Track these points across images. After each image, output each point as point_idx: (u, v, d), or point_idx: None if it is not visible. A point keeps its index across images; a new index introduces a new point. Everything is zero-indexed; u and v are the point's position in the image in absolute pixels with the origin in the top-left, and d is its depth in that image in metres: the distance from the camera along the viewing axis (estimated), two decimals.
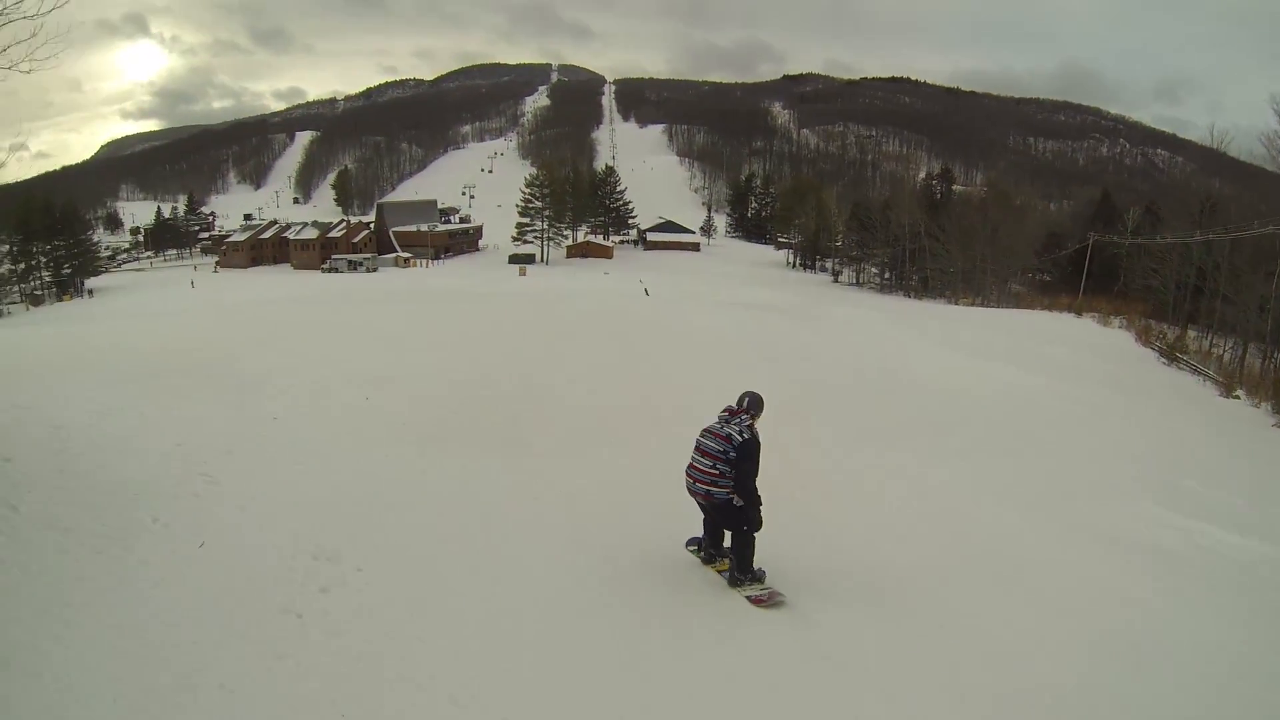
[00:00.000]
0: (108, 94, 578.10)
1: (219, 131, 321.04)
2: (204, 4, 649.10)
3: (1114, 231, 59.36)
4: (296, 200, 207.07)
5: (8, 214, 73.65)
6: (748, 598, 5.45)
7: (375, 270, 79.65)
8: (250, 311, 23.17)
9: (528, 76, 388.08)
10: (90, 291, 74.41)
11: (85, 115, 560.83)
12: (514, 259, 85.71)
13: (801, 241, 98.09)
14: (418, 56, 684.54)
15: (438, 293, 34.88)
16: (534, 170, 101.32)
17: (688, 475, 5.54)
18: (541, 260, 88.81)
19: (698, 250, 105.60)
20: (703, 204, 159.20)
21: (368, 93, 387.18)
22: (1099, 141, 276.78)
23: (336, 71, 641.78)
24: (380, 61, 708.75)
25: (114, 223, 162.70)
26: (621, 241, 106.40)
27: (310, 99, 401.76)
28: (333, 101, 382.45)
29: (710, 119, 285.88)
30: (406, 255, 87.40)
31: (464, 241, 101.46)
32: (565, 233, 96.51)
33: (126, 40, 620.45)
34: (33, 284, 72.80)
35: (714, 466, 5.36)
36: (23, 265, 72.40)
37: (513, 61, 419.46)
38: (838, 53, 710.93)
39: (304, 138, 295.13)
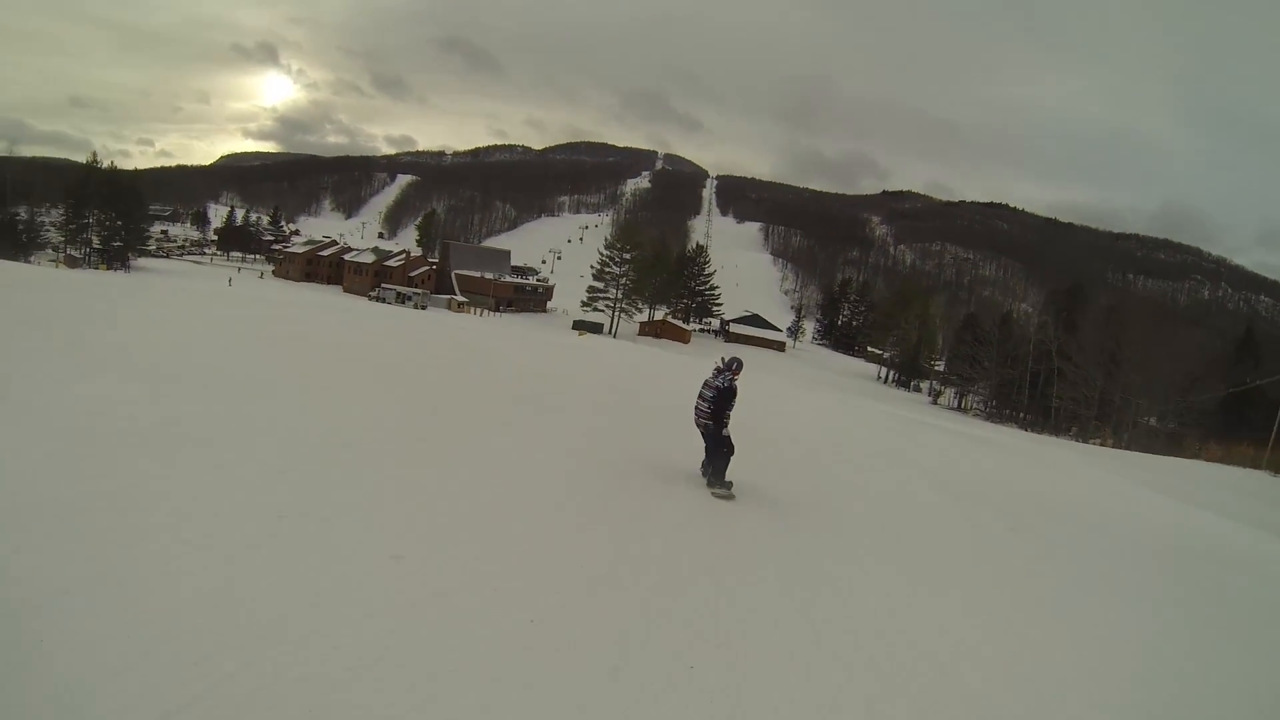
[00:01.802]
0: (234, 112, 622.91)
1: (326, 161, 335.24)
2: (331, 45, 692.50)
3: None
4: (381, 235, 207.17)
5: (70, 179, 78.19)
6: (712, 494, 7.82)
7: (424, 308, 72.04)
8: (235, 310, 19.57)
9: (633, 160, 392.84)
10: (129, 267, 75.37)
11: (211, 127, 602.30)
12: (579, 325, 76.31)
13: (898, 356, 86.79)
14: (528, 125, 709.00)
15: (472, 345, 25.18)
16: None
17: (695, 411, 7.89)
18: (609, 332, 79.01)
19: (782, 350, 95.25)
20: (792, 306, 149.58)
21: (475, 151, 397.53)
22: (1200, 283, 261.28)
23: (449, 127, 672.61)
24: (491, 124, 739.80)
25: (201, 219, 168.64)
26: (701, 330, 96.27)
27: (420, 149, 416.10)
28: (441, 154, 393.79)
29: (808, 223, 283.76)
30: (461, 300, 79.33)
31: (530, 299, 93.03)
32: (640, 307, 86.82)
33: (257, 66, 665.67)
34: (81, 248, 76.72)
35: (707, 406, 7.70)
36: (73, 226, 76.69)
37: (621, 144, 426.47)
38: (937, 174, 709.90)
39: (403, 180, 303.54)
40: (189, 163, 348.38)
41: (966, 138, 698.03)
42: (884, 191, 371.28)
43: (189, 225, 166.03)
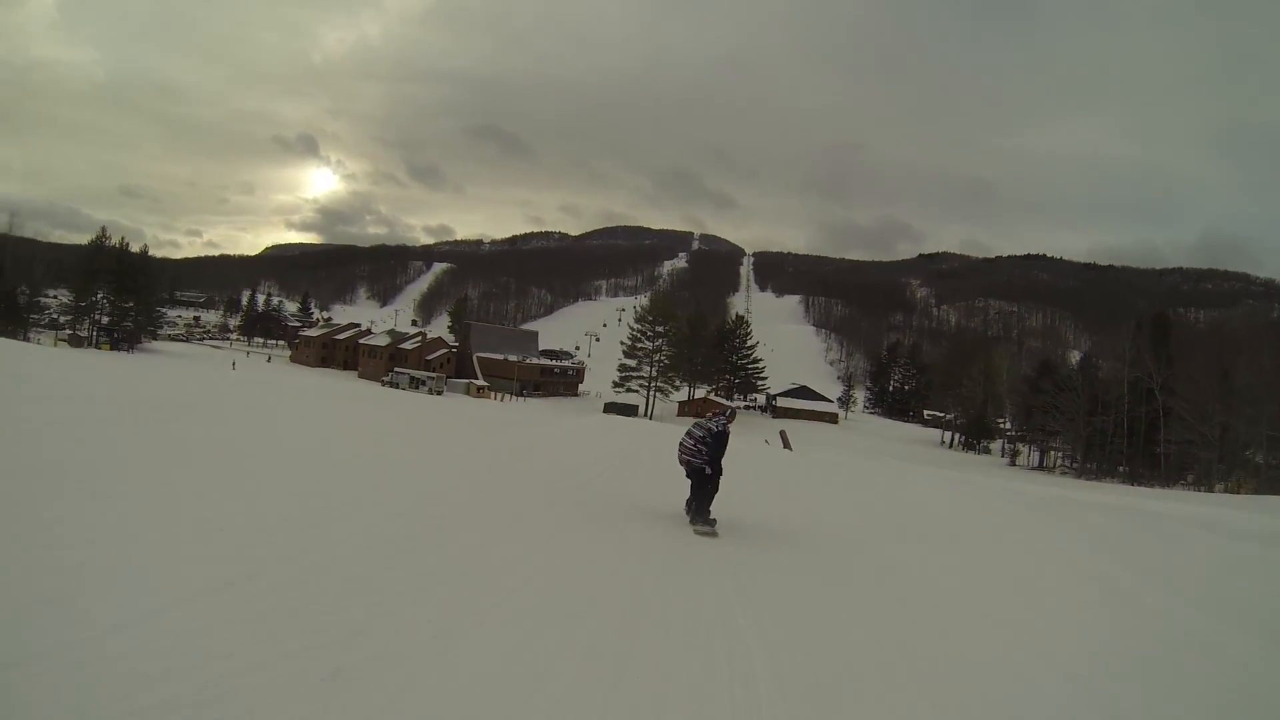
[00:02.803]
0: (279, 204, 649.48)
1: (362, 250, 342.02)
2: (367, 136, 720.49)
3: None
4: (414, 322, 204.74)
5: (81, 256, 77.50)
6: (695, 531, 7.96)
7: (439, 393, 66.83)
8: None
9: (670, 242, 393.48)
10: (133, 349, 73.66)
11: (257, 219, 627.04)
12: (610, 408, 69.67)
13: (961, 417, 79.64)
14: (563, 211, 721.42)
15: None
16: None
17: (679, 449, 8.27)
18: (645, 414, 72.28)
19: (835, 423, 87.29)
20: (838, 378, 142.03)
21: (513, 239, 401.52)
22: (1255, 307, 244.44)
23: (485, 216, 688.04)
24: (526, 212, 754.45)
25: (234, 306, 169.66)
26: (746, 407, 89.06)
27: (458, 238, 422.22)
28: (479, 243, 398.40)
29: (847, 292, 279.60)
30: (481, 384, 73.54)
31: (559, 381, 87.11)
32: (678, 385, 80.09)
33: (299, 157, 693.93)
34: (86, 326, 75.88)
35: (696, 446, 8.06)
36: (82, 305, 75.40)
37: (656, 226, 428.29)
38: (971, 232, 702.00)
39: (439, 267, 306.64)
40: (235, 253, 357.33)
41: (996, 192, 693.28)
42: (920, 255, 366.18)
43: (222, 312, 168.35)
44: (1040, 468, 64.49)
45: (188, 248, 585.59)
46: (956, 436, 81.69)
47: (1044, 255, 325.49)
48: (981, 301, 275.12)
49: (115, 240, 78.93)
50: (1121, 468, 55.21)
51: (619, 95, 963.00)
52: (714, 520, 7.95)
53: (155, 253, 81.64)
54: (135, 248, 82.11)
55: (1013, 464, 66.96)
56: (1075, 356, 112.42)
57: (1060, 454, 65.11)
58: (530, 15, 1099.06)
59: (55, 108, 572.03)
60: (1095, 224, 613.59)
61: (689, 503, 8.24)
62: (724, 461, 8.01)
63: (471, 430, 19.18)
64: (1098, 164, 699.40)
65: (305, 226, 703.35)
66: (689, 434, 8.14)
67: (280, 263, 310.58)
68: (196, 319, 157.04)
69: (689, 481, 8.21)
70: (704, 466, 7.90)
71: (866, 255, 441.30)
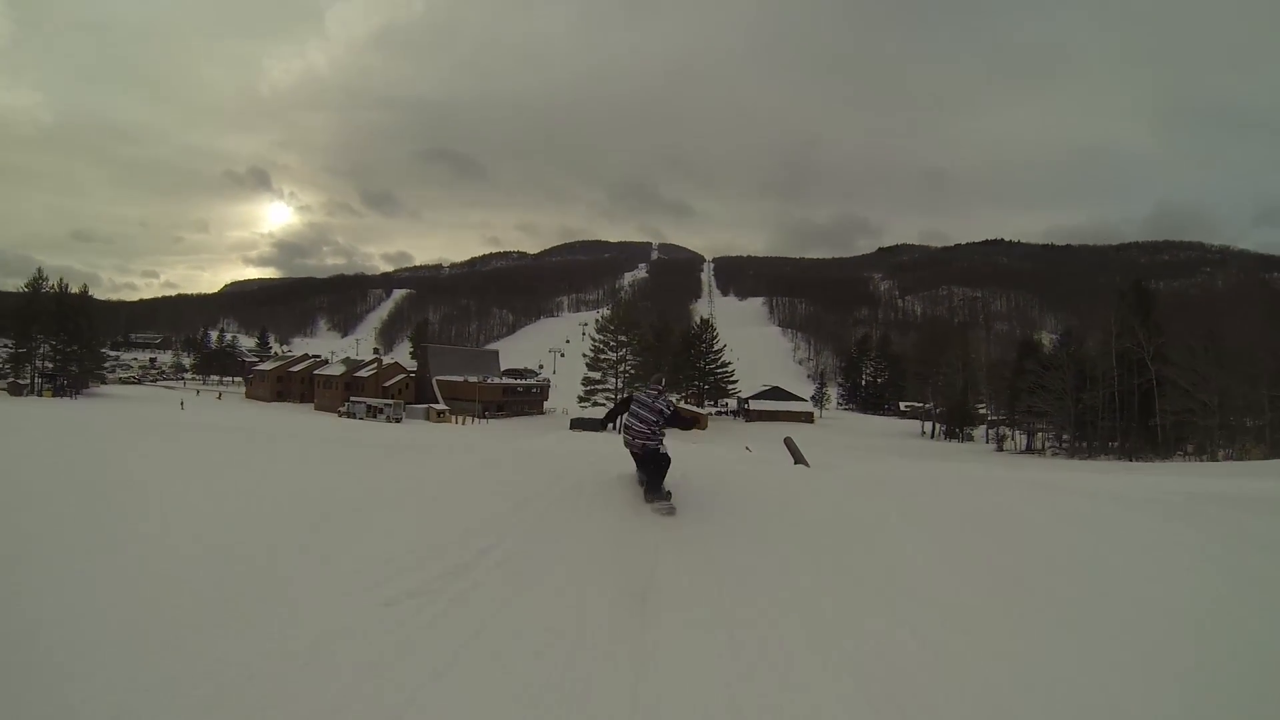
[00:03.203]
0: (235, 240, 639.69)
1: (321, 281, 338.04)
2: (318, 166, 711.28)
3: None
4: (376, 350, 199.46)
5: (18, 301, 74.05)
6: (654, 509, 7.29)
7: (399, 421, 63.88)
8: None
9: (629, 254, 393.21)
10: (77, 394, 70.73)
11: (215, 256, 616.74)
12: (577, 423, 66.59)
13: (940, 406, 78.03)
14: (521, 230, 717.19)
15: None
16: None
17: (626, 433, 7.83)
18: (614, 427, 69.21)
19: (811, 422, 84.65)
20: (808, 376, 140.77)
21: (472, 262, 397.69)
22: (1211, 275, 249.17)
23: (443, 241, 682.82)
24: (484, 233, 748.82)
25: (192, 346, 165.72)
26: (717, 412, 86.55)
27: (417, 264, 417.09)
28: (439, 268, 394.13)
29: (811, 291, 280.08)
30: (441, 408, 70.29)
31: (524, 401, 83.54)
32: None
33: (251, 192, 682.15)
34: (29, 375, 72.76)
35: (649, 428, 7.67)
36: (23, 351, 72.33)
37: (614, 239, 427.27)
38: (929, 223, 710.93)
39: (399, 294, 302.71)
40: (193, 292, 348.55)
41: (951, 181, 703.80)
42: (880, 249, 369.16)
43: (178, 352, 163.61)
44: (1030, 451, 62.66)
45: (145, 289, 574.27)
46: (937, 426, 79.66)
47: (1002, 240, 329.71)
48: (945, 289, 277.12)
49: (54, 283, 75.35)
50: (1114, 443, 53.62)
51: (570, 109, 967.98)
52: (669, 493, 7.60)
53: (111, 296, 78.85)
54: (75, 289, 78.23)
55: (1000, 449, 64.87)
56: (1047, 337, 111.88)
57: (1048, 435, 63.41)
58: (477, 36, 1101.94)
59: (1, 153, 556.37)
60: (1050, 206, 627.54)
61: (641, 479, 7.92)
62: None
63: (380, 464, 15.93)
64: (1048, 146, 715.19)
65: (263, 261, 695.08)
66: (635, 417, 7.78)
67: (239, 299, 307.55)
68: (153, 360, 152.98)
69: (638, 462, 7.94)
70: (659, 446, 7.68)
71: (827, 253, 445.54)
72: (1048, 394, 57.07)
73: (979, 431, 76.77)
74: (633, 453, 7.86)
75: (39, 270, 75.09)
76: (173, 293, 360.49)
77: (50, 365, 73.30)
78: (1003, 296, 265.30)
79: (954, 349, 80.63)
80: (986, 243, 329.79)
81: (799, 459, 12.97)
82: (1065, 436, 59.32)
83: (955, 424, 77.00)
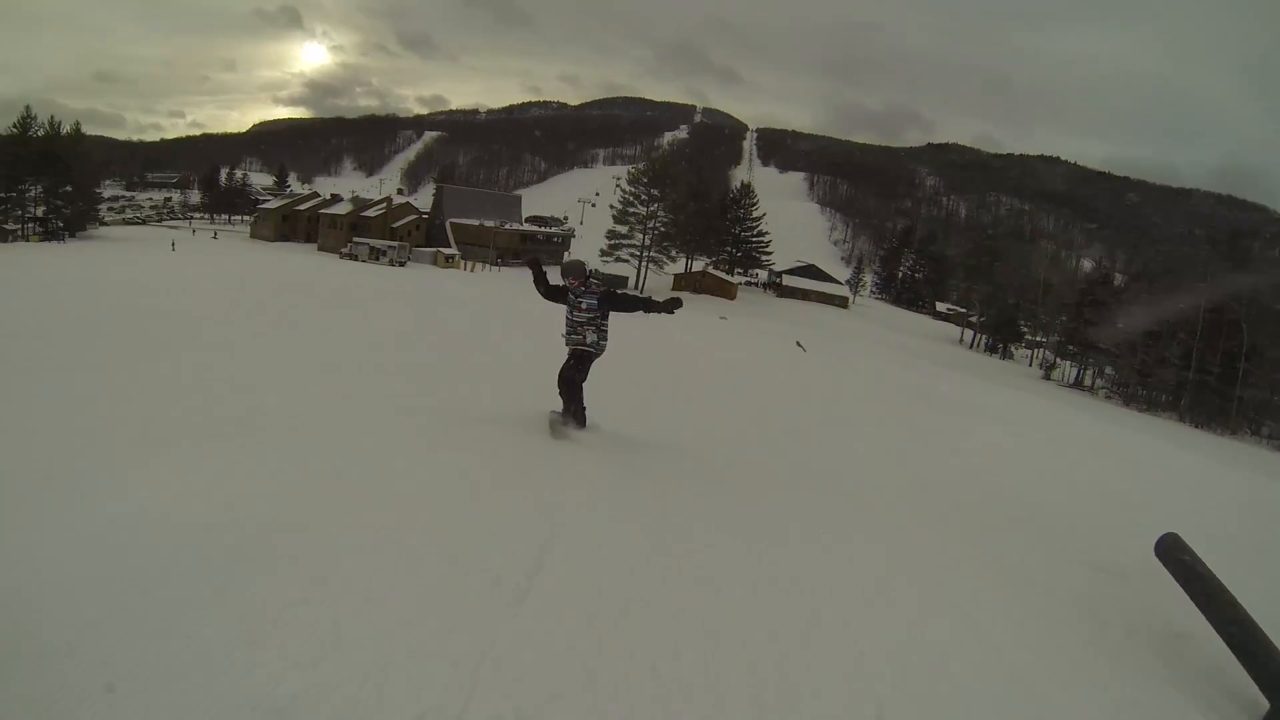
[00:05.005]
0: (265, 80, 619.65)
1: (350, 121, 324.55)
2: (352, 5, 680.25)
3: None
4: (400, 190, 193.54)
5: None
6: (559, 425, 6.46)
7: (402, 264, 59.54)
8: None
9: (671, 114, 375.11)
10: (64, 238, 67.58)
11: (244, 96, 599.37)
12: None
13: (984, 317, 72.59)
14: (563, 80, 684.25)
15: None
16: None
17: (575, 331, 6.44)
18: (635, 287, 64.61)
19: (845, 308, 79.47)
20: (842, 258, 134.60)
21: (510, 109, 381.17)
22: (1272, 242, 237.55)
23: (482, 86, 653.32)
24: (525, 82, 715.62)
25: (210, 184, 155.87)
26: (747, 283, 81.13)
27: (452, 108, 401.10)
28: (474, 112, 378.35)
29: (854, 174, 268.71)
30: (451, 253, 65.59)
31: (542, 249, 78.18)
32: (674, 257, 71.83)
33: (282, 30, 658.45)
34: (20, 221, 68.95)
35: (591, 315, 6.38)
36: (12, 194, 68.24)
37: (658, 99, 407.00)
38: (985, 128, 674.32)
39: (430, 136, 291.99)
40: (220, 131, 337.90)
41: (1014, 89, 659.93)
42: (929, 144, 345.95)
43: (195, 191, 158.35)
44: (1078, 385, 57.91)
45: (170, 129, 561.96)
46: (979, 336, 74.61)
47: (1058, 157, 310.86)
48: (993, 196, 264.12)
49: (44, 123, 70.36)
50: (1166, 397, 48.66)
51: None
52: (583, 411, 6.57)
53: (136, 137, 72.93)
54: (68, 129, 72.74)
55: (1047, 377, 60.01)
56: (1086, 264, 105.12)
57: (1097, 373, 58.47)
58: None
59: None
60: (1113, 133, 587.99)
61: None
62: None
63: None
64: (1122, 74, 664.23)
65: (294, 101, 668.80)
66: (578, 308, 6.37)
67: (266, 138, 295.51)
68: (166, 200, 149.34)
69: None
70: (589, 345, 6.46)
71: (873, 139, 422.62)
72: (1116, 331, 51.43)
73: (1029, 353, 71.82)
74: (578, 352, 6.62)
75: (26, 109, 69.90)
76: (198, 132, 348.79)
77: (43, 210, 70.01)
78: (1054, 215, 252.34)
79: (1012, 259, 73.98)
80: (1041, 157, 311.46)
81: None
82: (1123, 381, 54.09)
83: (1000, 338, 71.60)
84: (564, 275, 6.44)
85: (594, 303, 6.26)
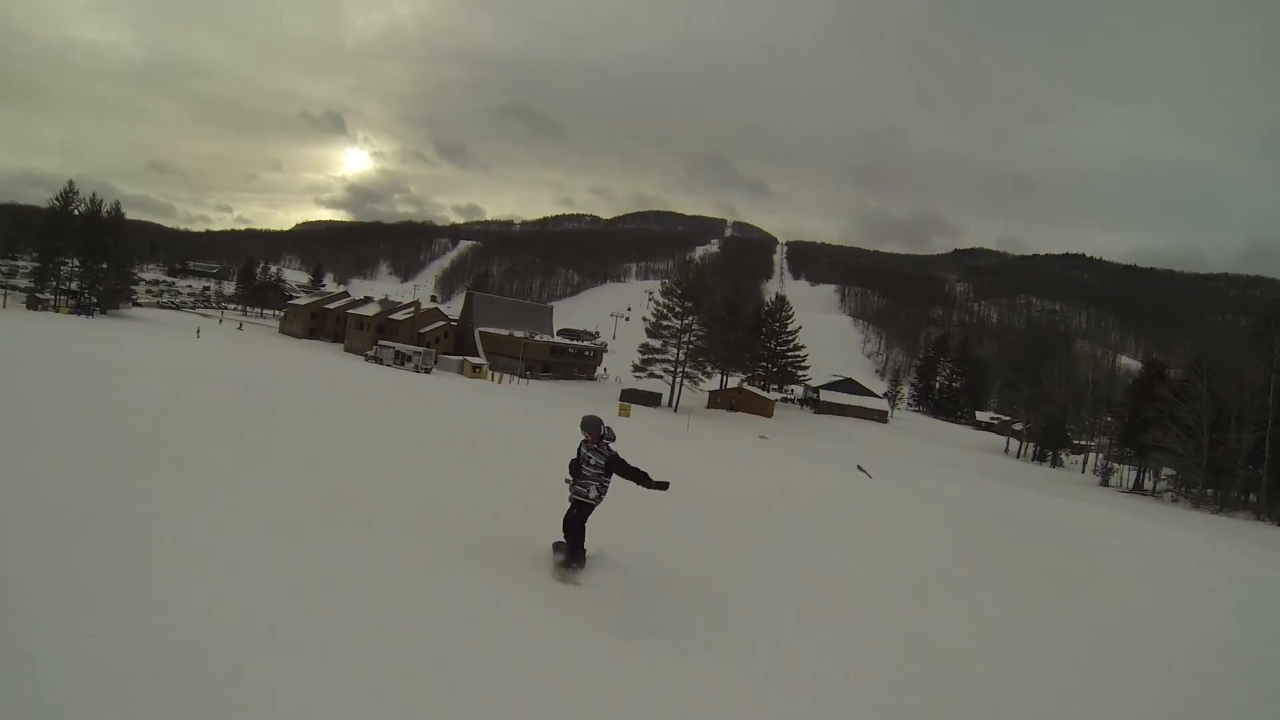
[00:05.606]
0: (309, 182, 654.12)
1: (388, 226, 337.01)
2: (394, 114, 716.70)
3: None
4: (434, 298, 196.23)
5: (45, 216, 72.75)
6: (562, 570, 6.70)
7: (427, 371, 58.18)
8: None
9: (702, 228, 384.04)
10: (94, 313, 67.51)
11: (289, 196, 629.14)
12: (629, 395, 59.83)
13: (1029, 423, 70.29)
14: (594, 193, 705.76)
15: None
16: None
17: (585, 483, 6.76)
18: (669, 404, 62.30)
19: (884, 422, 76.61)
20: (876, 371, 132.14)
21: (544, 221, 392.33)
22: None
23: (516, 197, 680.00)
24: (557, 194, 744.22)
25: (246, 277, 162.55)
26: (783, 399, 78.48)
27: (488, 218, 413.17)
28: (509, 223, 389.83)
29: (883, 284, 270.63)
30: (478, 362, 63.98)
31: (573, 363, 77.09)
32: (709, 373, 69.64)
33: (326, 135, 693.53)
34: (52, 292, 70.35)
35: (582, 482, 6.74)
36: (48, 268, 70.18)
37: (690, 212, 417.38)
38: (1008, 229, 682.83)
39: (465, 245, 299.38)
40: (264, 228, 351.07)
41: (1035, 189, 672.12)
42: (956, 250, 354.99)
43: (234, 282, 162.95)
44: (1139, 490, 54.11)
45: (217, 222, 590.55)
46: (1026, 445, 70.81)
47: (1083, 255, 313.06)
48: (1023, 299, 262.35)
49: (85, 199, 72.27)
50: (1238, 495, 45.29)
51: (650, 78, 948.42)
52: (582, 554, 6.84)
53: (186, 227, 74.31)
54: (108, 208, 74.58)
55: (1105, 484, 56.26)
56: (1124, 361, 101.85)
57: (1161, 477, 54.62)
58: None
59: (90, 86, 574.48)
60: (1135, 225, 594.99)
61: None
62: None
63: None
64: (1138, 162, 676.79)
65: (335, 204, 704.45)
66: (586, 462, 6.81)
67: (308, 238, 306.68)
68: (205, 289, 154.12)
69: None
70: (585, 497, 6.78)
71: (901, 248, 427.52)
72: (1178, 428, 47.82)
73: (1072, 460, 68.57)
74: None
75: (69, 184, 72.36)
76: (244, 227, 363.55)
77: (74, 283, 71.23)
78: (1082, 313, 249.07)
79: (1058, 360, 70.83)
80: (1066, 256, 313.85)
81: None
82: (1189, 482, 50.25)
83: (1049, 446, 67.98)
84: (582, 429, 6.84)
85: (601, 463, 6.65)
